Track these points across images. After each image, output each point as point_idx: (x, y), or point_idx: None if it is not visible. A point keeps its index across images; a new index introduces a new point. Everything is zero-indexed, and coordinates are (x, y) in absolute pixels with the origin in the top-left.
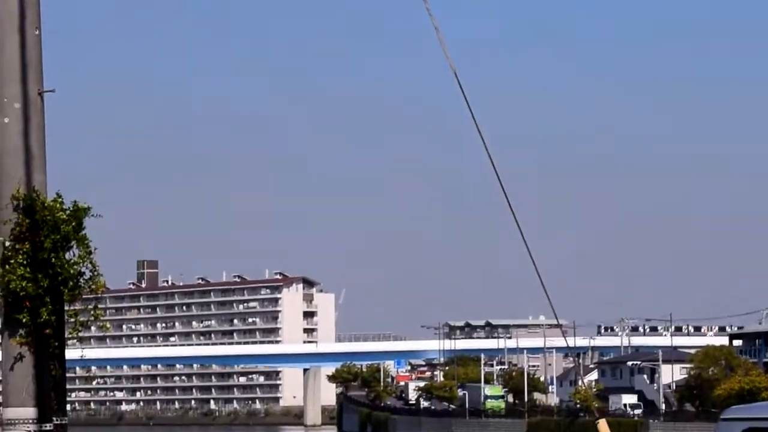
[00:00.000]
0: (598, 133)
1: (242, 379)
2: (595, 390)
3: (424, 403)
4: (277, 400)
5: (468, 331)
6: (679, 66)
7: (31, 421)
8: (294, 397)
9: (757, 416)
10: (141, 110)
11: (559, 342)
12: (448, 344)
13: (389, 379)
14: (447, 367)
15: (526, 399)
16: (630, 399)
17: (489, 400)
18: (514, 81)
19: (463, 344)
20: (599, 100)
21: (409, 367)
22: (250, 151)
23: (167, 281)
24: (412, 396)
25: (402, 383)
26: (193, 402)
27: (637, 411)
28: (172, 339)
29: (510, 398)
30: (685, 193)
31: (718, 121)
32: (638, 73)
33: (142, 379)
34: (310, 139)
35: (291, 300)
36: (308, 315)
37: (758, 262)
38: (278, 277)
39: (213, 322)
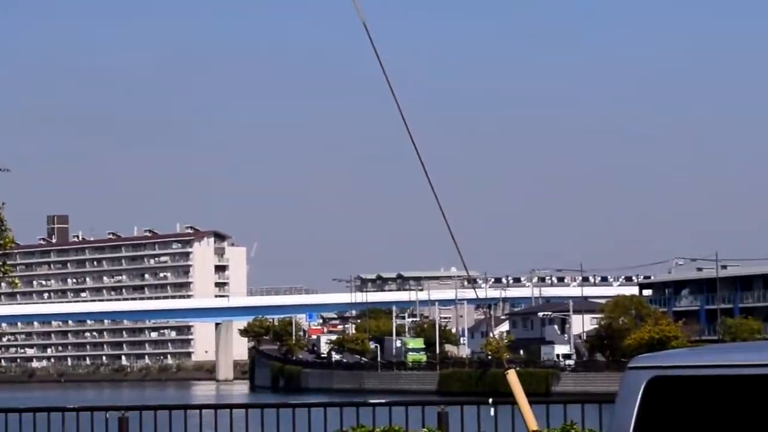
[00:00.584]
0: (513, 93)
1: (154, 335)
2: (506, 341)
3: (335, 357)
4: (189, 355)
5: (379, 283)
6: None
7: None
8: (206, 351)
9: (664, 364)
10: (45, 64)
11: (471, 294)
12: (360, 297)
13: (301, 333)
14: (359, 320)
15: (437, 351)
16: (563, 349)
17: (411, 353)
18: (427, 39)
19: (374, 297)
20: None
21: (320, 321)
22: (157, 106)
23: (78, 236)
24: (324, 349)
25: (314, 337)
26: (104, 358)
27: (569, 362)
28: (83, 294)
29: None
30: (593, 146)
31: (599, 79)
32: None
33: (53, 335)
34: (217, 93)
35: (202, 254)
36: (220, 269)
37: (665, 212)
38: (189, 231)
39: (124, 277)
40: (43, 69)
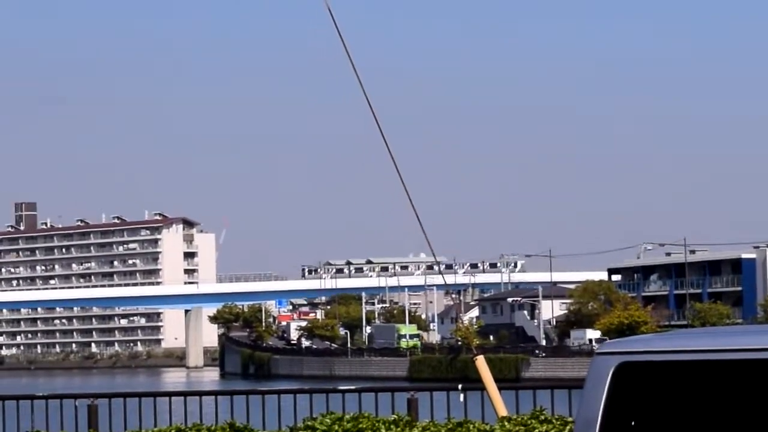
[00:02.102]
0: (477, 79)
1: (123, 322)
2: (476, 326)
3: (305, 343)
4: (158, 341)
5: (349, 269)
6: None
7: None
8: (176, 338)
9: (632, 350)
10: (11, 45)
11: (440, 279)
12: (330, 283)
13: (271, 320)
14: (329, 306)
15: (407, 337)
16: (594, 334)
17: (403, 339)
18: (391, 26)
19: (344, 283)
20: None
21: (290, 307)
22: (124, 90)
23: (46, 223)
24: (294, 336)
25: (284, 323)
26: (74, 345)
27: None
28: (51, 282)
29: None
30: (560, 131)
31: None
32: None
33: (22, 322)
34: (183, 77)
35: (171, 241)
36: (189, 255)
37: (633, 196)
38: (158, 217)
39: (93, 264)
40: (7, 53)
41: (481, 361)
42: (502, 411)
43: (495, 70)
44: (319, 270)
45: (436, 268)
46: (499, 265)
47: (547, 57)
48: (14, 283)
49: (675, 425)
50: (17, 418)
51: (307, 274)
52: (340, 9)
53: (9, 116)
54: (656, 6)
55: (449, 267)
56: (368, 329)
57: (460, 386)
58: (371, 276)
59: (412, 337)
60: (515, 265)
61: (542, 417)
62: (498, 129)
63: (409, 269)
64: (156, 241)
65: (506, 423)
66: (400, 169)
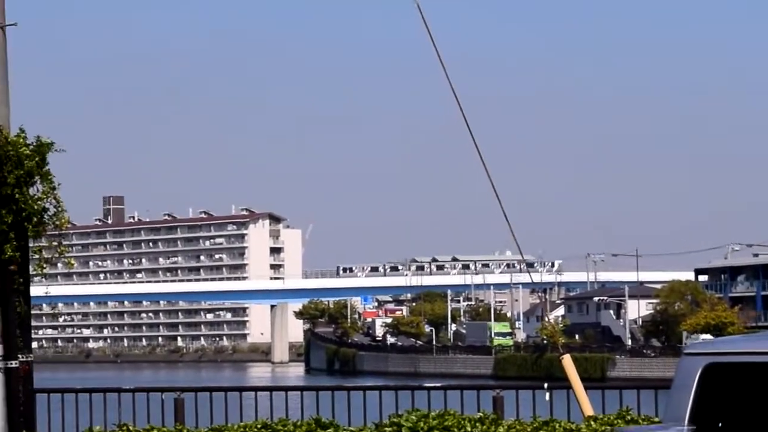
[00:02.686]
0: (568, 71)
1: (209, 316)
2: (561, 325)
3: (390, 340)
4: (244, 336)
5: (435, 267)
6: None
7: None
8: (261, 333)
9: (720, 351)
10: (105, 44)
11: (526, 278)
12: (415, 280)
13: (356, 316)
14: (414, 303)
15: (492, 335)
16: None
17: (497, 337)
18: (481, 18)
19: (429, 280)
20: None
21: (376, 304)
22: (214, 88)
23: (133, 217)
24: (379, 332)
25: (369, 319)
26: (160, 339)
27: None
28: (138, 276)
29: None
30: (655, 132)
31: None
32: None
33: (109, 316)
34: (273, 75)
35: (257, 236)
36: (275, 251)
37: (722, 197)
38: (245, 212)
39: (180, 258)
40: (101, 51)
41: (567, 360)
42: (589, 410)
43: (586, 65)
44: (404, 267)
45: (517, 266)
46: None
47: (642, 53)
48: (102, 276)
49: (762, 426)
50: (104, 410)
51: (392, 270)
52: (429, 5)
53: (99, 111)
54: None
55: (530, 265)
56: (454, 327)
57: (545, 385)
58: (455, 273)
59: (504, 335)
60: (600, 262)
61: (628, 417)
62: (587, 126)
63: (490, 266)
64: (242, 236)
65: (592, 422)
66: (488, 165)
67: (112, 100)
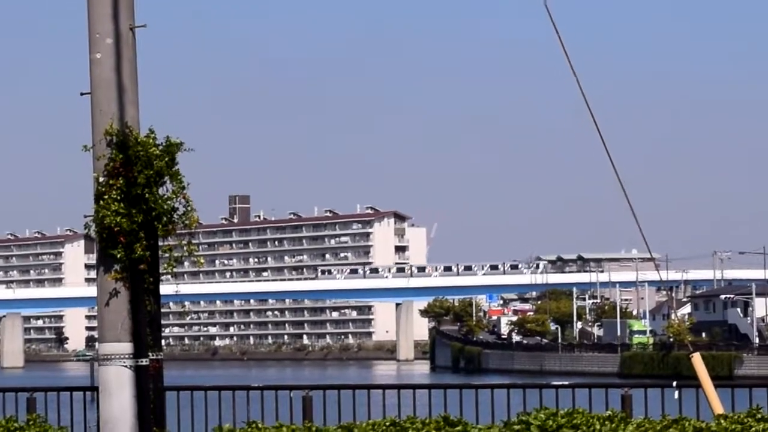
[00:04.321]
0: (702, 73)
1: (335, 314)
2: (688, 323)
3: (516, 338)
4: (369, 334)
5: (560, 265)
6: None
7: (126, 356)
8: (387, 331)
9: None
10: (231, 45)
11: (652, 276)
12: (540, 278)
13: (481, 314)
14: (539, 301)
15: (618, 333)
16: None
17: (636, 336)
18: (608, 15)
19: (555, 278)
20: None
21: (501, 302)
22: (339, 89)
23: (259, 216)
24: (504, 330)
25: (494, 317)
26: (286, 337)
27: None
28: (264, 274)
29: (601, 332)
30: None
31: None
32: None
33: (235, 314)
34: (403, 75)
35: (382, 234)
36: (400, 249)
37: None
38: (370, 211)
39: (305, 256)
40: (228, 53)
41: (697, 359)
42: (719, 408)
43: (717, 68)
44: (527, 265)
45: (650, 264)
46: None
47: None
48: (228, 274)
49: None
50: (233, 408)
51: (512, 269)
52: (558, 7)
53: (226, 112)
54: None
55: (661, 263)
56: (579, 325)
57: (674, 383)
58: (582, 271)
59: (642, 333)
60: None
61: (759, 415)
62: (714, 124)
63: (620, 264)
64: (367, 234)
65: (722, 421)
66: (616, 162)
67: (238, 102)
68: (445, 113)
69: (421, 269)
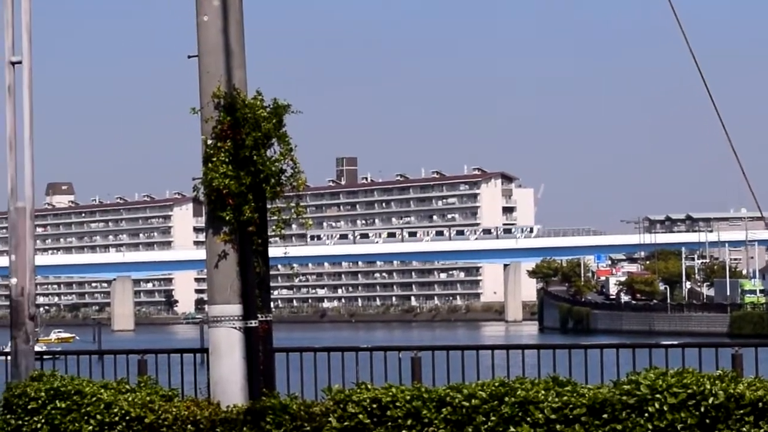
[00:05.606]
0: None
1: (443, 276)
2: None
3: (624, 298)
4: (477, 296)
5: (668, 224)
6: None
7: (236, 318)
8: (494, 292)
9: None
10: (339, 4)
11: (762, 234)
12: (648, 238)
13: (589, 274)
14: (647, 261)
15: (728, 293)
16: None
17: (747, 295)
18: None
19: (663, 238)
20: None
21: (609, 262)
22: (443, 48)
23: (366, 178)
24: (613, 291)
25: (602, 278)
26: (394, 299)
27: None
28: (371, 236)
29: (711, 292)
30: None
31: None
32: None
33: (343, 276)
34: (514, 37)
35: (490, 195)
36: (507, 210)
37: None
38: (477, 172)
39: (412, 218)
40: (335, 15)
41: None
42: None
43: None
44: (637, 225)
45: (760, 223)
46: None
47: None
48: (335, 236)
49: None
50: (342, 369)
51: (625, 228)
52: None
53: (332, 73)
54: None
55: (766, 221)
56: (688, 285)
57: None
58: (690, 231)
59: (754, 293)
60: None
61: None
62: None
63: (729, 224)
64: (474, 195)
65: None
66: (724, 120)
67: (345, 63)
68: (554, 74)
69: (529, 230)
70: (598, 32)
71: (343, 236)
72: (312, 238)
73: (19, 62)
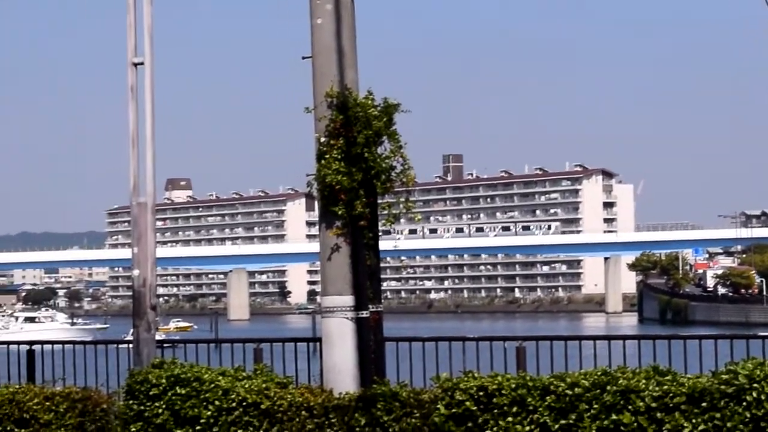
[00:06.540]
0: None
1: (545, 268)
2: None
3: (721, 290)
4: (579, 288)
5: (765, 219)
6: None
7: (348, 308)
8: (595, 285)
9: None
10: (444, 4)
11: None
12: (745, 232)
13: (687, 267)
14: (744, 255)
15: None
16: None
17: None
18: None
19: (759, 232)
20: None
21: (706, 255)
22: (557, 47)
23: (472, 174)
24: (710, 283)
25: (700, 271)
26: (498, 290)
27: None
28: (476, 230)
29: None
30: None
31: None
32: None
33: (449, 268)
34: (604, 47)
35: (591, 191)
36: (608, 205)
37: None
38: (578, 168)
39: (516, 213)
40: (443, 17)
41: None
42: None
43: None
44: (734, 219)
45: None
46: None
47: None
48: (442, 230)
49: None
50: (449, 359)
51: (723, 222)
52: None
53: (440, 71)
54: None
55: None
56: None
57: None
58: None
59: None
60: None
61: None
62: None
63: None
64: (576, 191)
65: None
66: None
67: (451, 64)
68: (653, 79)
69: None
70: (700, 35)
71: (459, 230)
72: (430, 231)
73: (141, 63)
